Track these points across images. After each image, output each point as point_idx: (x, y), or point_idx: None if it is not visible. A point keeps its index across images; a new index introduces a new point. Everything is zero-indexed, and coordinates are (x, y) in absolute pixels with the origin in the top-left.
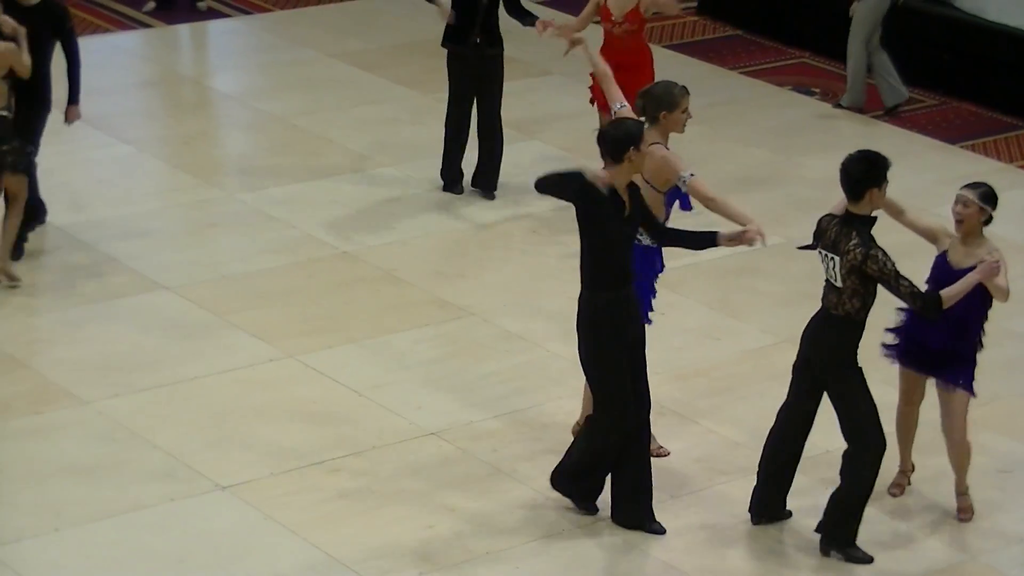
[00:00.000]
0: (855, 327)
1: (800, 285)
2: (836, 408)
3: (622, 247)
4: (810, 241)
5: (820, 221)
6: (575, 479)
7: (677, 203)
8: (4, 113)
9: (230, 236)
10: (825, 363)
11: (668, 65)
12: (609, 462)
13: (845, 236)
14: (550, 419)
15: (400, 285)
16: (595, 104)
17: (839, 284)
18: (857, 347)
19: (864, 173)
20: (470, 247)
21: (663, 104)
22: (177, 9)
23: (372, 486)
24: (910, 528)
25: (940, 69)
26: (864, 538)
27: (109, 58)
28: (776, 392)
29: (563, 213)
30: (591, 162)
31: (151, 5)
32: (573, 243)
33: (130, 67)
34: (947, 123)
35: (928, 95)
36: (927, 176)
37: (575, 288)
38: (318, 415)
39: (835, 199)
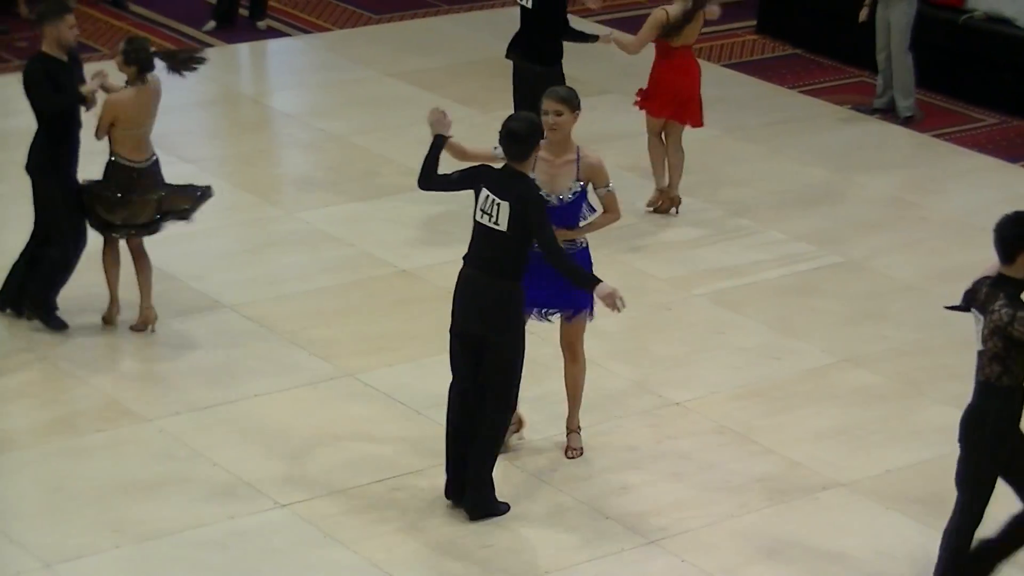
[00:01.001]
0: (997, 395)
1: (860, 304)
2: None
3: None
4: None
5: (975, 282)
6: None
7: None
8: (138, 164)
9: (289, 255)
10: (968, 432)
11: (727, 84)
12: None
13: (993, 297)
14: (607, 438)
15: None
16: (642, 109)
17: (980, 346)
18: (1010, 417)
19: (1017, 235)
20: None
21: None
22: (237, 28)
23: (431, 504)
24: None
25: (1000, 87)
26: None
27: (169, 77)
28: (835, 412)
29: (623, 232)
30: (645, 182)
31: (211, 24)
32: (633, 262)
33: (190, 86)
34: (1007, 141)
35: (988, 114)
36: (987, 195)
37: (633, 307)
38: (377, 434)
39: (893, 217)
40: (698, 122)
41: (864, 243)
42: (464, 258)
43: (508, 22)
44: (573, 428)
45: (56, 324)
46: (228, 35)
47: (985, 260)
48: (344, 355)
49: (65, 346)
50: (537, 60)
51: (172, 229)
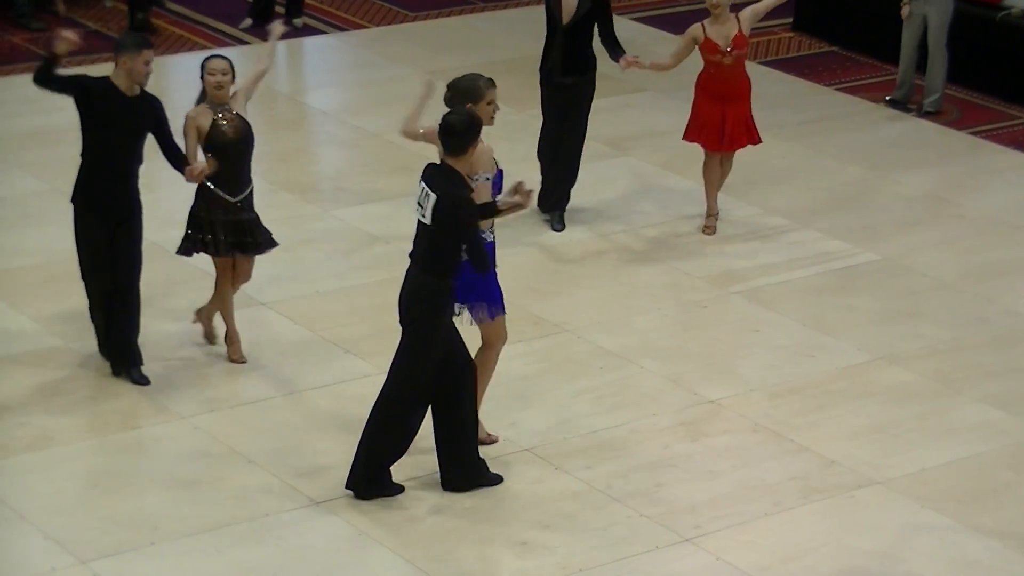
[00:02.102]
0: None
1: (896, 303)
2: None
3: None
4: None
5: None
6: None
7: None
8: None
9: (325, 252)
10: None
11: (764, 82)
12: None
13: None
14: (643, 436)
15: None
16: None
17: None
18: None
19: None
20: (564, 264)
21: (469, 97)
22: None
23: (466, 502)
24: None
25: None
26: None
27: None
28: (871, 410)
29: (659, 228)
30: (680, 179)
31: (247, 22)
32: (665, 259)
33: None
34: None
35: None
36: (1023, 192)
37: (668, 305)
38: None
39: (929, 215)
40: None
41: (900, 241)
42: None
43: (543, 20)
44: None
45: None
46: (264, 32)
47: (1021, 257)
48: (379, 352)
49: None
50: (584, 71)
51: None
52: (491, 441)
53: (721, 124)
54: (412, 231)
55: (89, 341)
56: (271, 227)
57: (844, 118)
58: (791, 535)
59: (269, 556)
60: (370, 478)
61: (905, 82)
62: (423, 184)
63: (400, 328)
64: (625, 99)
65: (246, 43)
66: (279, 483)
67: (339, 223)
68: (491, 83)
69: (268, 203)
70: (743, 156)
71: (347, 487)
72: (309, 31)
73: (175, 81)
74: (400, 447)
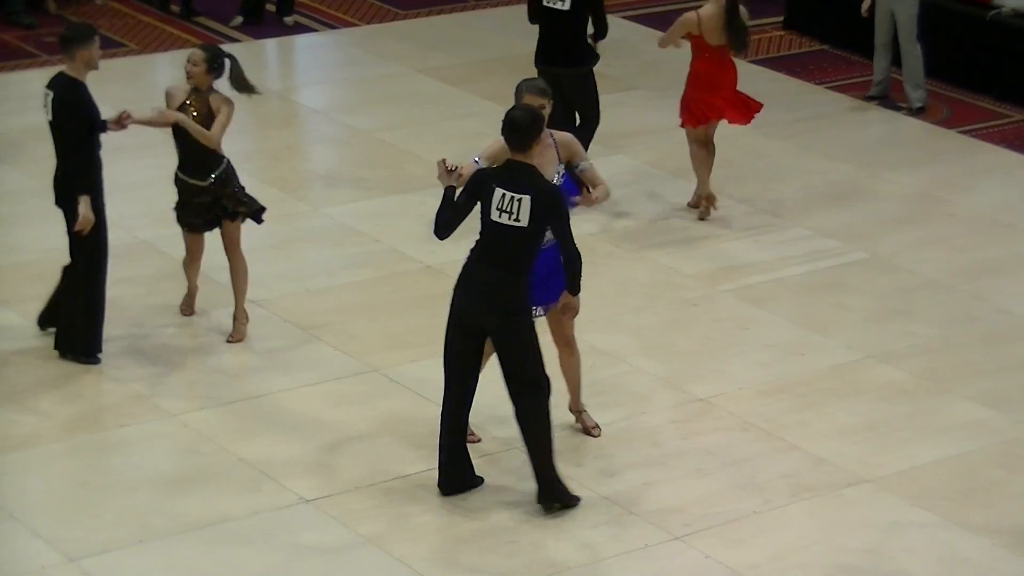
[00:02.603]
0: None
1: (887, 301)
2: None
3: None
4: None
5: None
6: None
7: None
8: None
9: (316, 250)
10: None
11: (754, 80)
12: None
13: None
14: (633, 434)
15: None
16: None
17: None
18: None
19: None
20: None
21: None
22: (264, 24)
23: (455, 500)
24: None
25: None
26: None
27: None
28: (861, 408)
29: (650, 227)
30: (671, 177)
31: (238, 20)
32: (658, 257)
33: (217, 82)
34: None
35: (1016, 110)
36: (1014, 192)
37: (659, 303)
38: (402, 429)
39: (920, 214)
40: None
41: (891, 239)
42: (472, 252)
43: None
44: (580, 408)
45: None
46: (255, 31)
47: (1011, 256)
48: (370, 350)
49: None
50: (573, 63)
51: None
52: (474, 440)
53: (711, 104)
54: (403, 230)
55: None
56: (260, 226)
57: (835, 116)
58: (781, 533)
59: (259, 554)
60: (563, 488)
61: (881, 80)
62: (502, 190)
63: (476, 333)
64: (616, 97)
65: (237, 41)
66: (269, 481)
67: (330, 221)
68: (532, 88)
69: (259, 200)
70: (733, 154)
71: (545, 502)
72: (300, 29)
73: (166, 79)
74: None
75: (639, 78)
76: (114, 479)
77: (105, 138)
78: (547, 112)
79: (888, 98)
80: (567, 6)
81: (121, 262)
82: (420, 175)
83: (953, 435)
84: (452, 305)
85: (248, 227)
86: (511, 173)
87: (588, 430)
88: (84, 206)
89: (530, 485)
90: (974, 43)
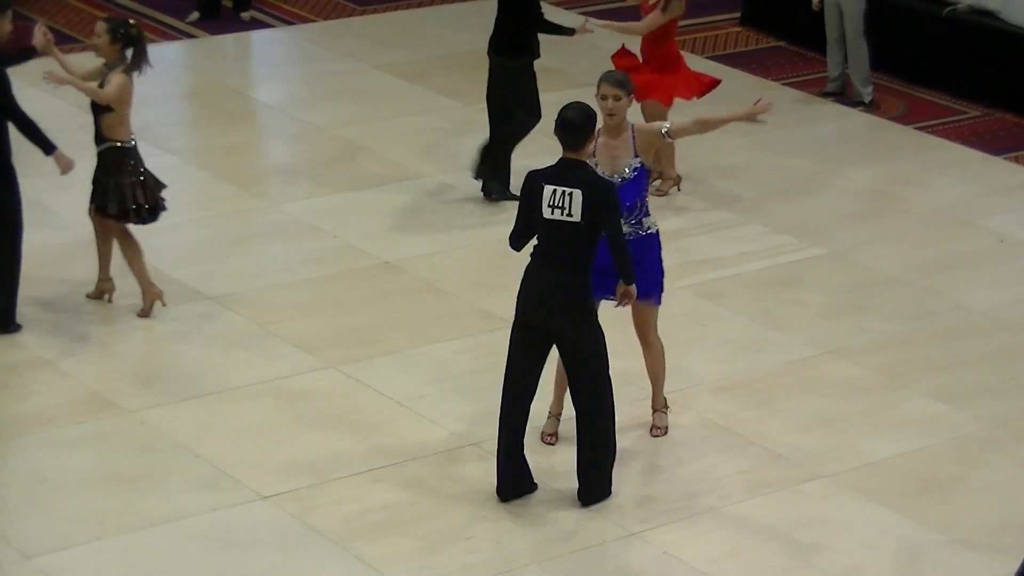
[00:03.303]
0: None
1: (843, 297)
2: None
3: None
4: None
5: None
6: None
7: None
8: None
9: (273, 246)
10: None
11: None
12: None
13: None
14: None
15: (442, 296)
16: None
17: None
18: None
19: None
20: (513, 258)
21: None
22: (221, 20)
23: (413, 497)
24: None
25: (984, 80)
26: None
27: (153, 69)
28: (817, 404)
29: None
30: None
31: (195, 16)
32: None
33: (174, 78)
34: (990, 134)
35: (971, 106)
36: (970, 188)
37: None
38: (359, 425)
39: (876, 209)
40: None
41: (847, 235)
42: (532, 255)
43: (491, 14)
44: (657, 407)
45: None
46: (212, 26)
47: (967, 252)
48: (327, 347)
49: (46, 338)
50: (509, 54)
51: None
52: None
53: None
54: (360, 226)
55: (34, 334)
56: (217, 222)
57: (791, 113)
58: (738, 529)
59: (216, 551)
60: (605, 483)
61: (836, 76)
62: (553, 187)
63: (537, 335)
64: (573, 94)
65: (194, 37)
66: (226, 478)
67: (287, 217)
68: (608, 78)
69: (215, 197)
70: (690, 150)
71: (585, 497)
72: (257, 25)
73: None
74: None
75: (596, 75)
76: (71, 476)
77: (59, 135)
78: (623, 104)
79: (844, 94)
80: None
81: (78, 260)
82: (377, 171)
83: (909, 431)
84: (516, 310)
85: (204, 223)
86: (563, 170)
87: (650, 427)
88: None
89: (487, 482)
90: (930, 39)
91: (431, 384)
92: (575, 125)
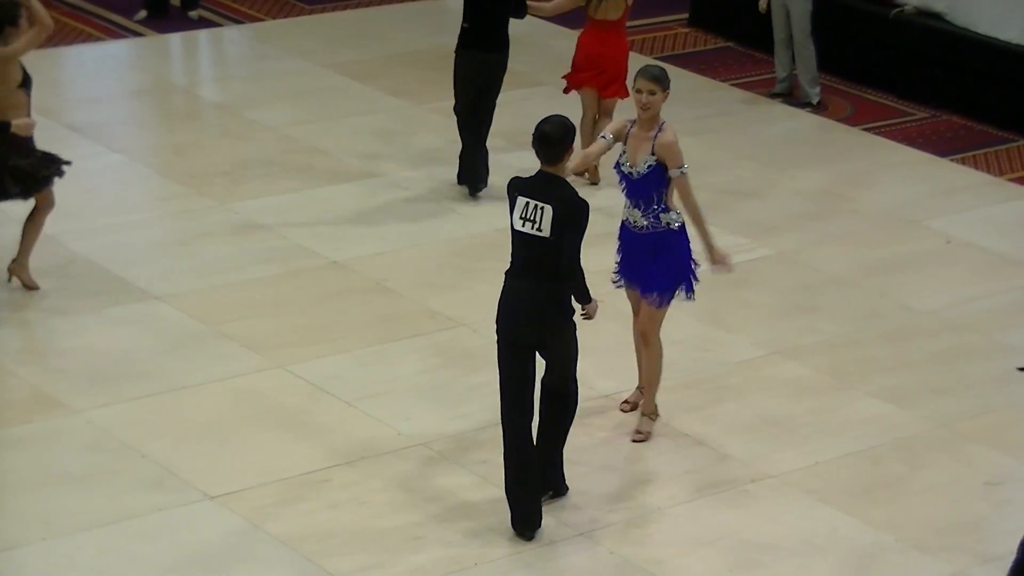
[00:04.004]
0: None
1: (791, 297)
2: None
3: None
4: None
5: None
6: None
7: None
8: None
9: (221, 245)
10: None
11: None
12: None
13: None
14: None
15: (390, 295)
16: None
17: None
18: None
19: None
20: (461, 258)
21: None
22: (169, 18)
23: (361, 496)
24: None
25: (931, 82)
26: None
27: (100, 67)
28: (765, 404)
29: None
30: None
31: (142, 14)
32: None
33: (121, 76)
34: (937, 136)
35: (919, 108)
36: (917, 189)
37: None
38: (307, 425)
39: (824, 210)
40: (625, 92)
41: (795, 236)
42: (507, 272)
43: (441, 14)
44: (647, 412)
45: None
46: (160, 25)
47: (914, 253)
48: (275, 346)
49: None
50: (495, 48)
51: (103, 220)
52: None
53: (594, 68)
54: (308, 225)
55: None
56: (164, 221)
57: (740, 114)
58: (686, 529)
59: (163, 551)
60: (560, 479)
61: (784, 77)
62: (527, 199)
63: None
64: (522, 93)
65: (141, 35)
66: (173, 478)
67: (234, 216)
68: (645, 73)
69: (162, 196)
70: None
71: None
72: (205, 23)
73: (69, 72)
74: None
75: (545, 74)
76: (16, 476)
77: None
78: (658, 99)
79: (792, 95)
80: None
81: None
82: (326, 170)
83: (856, 431)
84: (497, 330)
85: (152, 223)
86: (538, 183)
87: (634, 431)
88: None
89: (435, 483)
90: (877, 41)
91: (379, 384)
92: (552, 139)
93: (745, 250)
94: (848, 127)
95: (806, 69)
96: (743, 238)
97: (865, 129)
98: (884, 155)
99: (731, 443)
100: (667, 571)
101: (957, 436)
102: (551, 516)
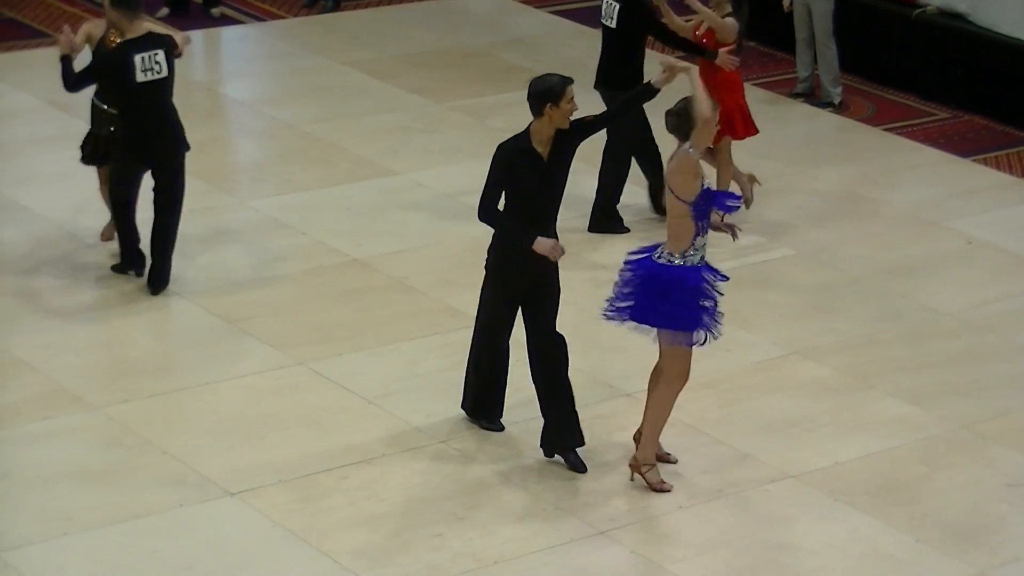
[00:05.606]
0: None
1: (811, 297)
2: None
3: (538, 195)
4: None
5: None
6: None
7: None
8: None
9: (242, 243)
10: None
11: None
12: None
13: None
14: None
15: (411, 293)
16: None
17: None
18: None
19: None
20: (481, 256)
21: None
22: (190, 15)
23: (381, 494)
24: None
25: (953, 82)
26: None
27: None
28: (785, 404)
29: (576, 223)
30: (591, 175)
31: (164, 11)
32: (581, 253)
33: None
34: (959, 136)
35: (940, 108)
36: (938, 189)
37: (585, 299)
38: (328, 422)
39: (845, 211)
40: (751, 130)
41: (816, 236)
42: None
43: (461, 13)
44: (638, 461)
45: None
46: (181, 22)
47: (935, 253)
48: (296, 344)
49: (14, 334)
50: (613, 85)
51: None
52: (671, 461)
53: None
54: (329, 223)
55: (1, 331)
56: (185, 218)
57: (761, 113)
58: (705, 528)
59: (183, 547)
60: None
61: (806, 77)
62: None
63: None
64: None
65: None
66: (193, 474)
67: (256, 214)
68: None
69: (184, 193)
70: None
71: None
72: (227, 21)
73: None
74: None
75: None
76: (37, 472)
77: (27, 129)
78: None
79: (813, 95)
80: (613, 23)
81: (46, 254)
82: (346, 168)
83: (876, 431)
84: (503, 287)
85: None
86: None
87: (632, 457)
88: None
89: (455, 480)
90: (899, 41)
91: (399, 381)
92: (528, 93)
93: (765, 249)
94: (869, 127)
95: (828, 69)
96: (763, 237)
97: (886, 129)
98: (905, 155)
99: (751, 443)
100: (686, 571)
101: (978, 437)
102: (571, 515)
